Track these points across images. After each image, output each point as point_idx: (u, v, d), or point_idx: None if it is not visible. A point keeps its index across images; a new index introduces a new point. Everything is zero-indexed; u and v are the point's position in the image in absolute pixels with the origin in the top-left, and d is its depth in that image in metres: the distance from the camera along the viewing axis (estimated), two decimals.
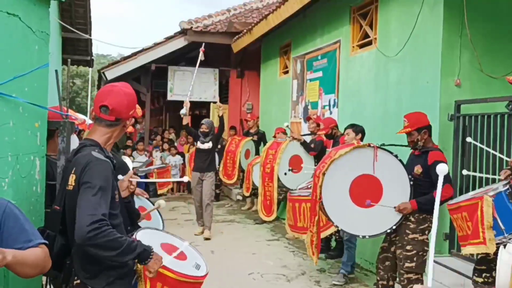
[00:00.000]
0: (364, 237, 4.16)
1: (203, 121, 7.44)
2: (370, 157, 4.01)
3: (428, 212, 4.00)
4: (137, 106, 2.47)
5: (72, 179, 2.13)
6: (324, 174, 4.02)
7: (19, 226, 1.85)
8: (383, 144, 4.16)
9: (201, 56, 7.44)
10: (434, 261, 4.69)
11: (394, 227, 4.06)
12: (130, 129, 3.72)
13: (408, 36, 5.30)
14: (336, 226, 4.17)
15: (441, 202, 4.01)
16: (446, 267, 4.55)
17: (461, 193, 4.64)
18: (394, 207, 3.98)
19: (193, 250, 2.59)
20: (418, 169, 4.02)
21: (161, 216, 4.34)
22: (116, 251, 2.00)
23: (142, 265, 2.16)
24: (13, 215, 1.85)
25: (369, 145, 4.06)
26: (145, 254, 2.11)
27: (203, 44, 7.70)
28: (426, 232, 4.02)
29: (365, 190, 4.03)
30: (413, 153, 4.21)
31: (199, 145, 7.29)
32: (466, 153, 4.74)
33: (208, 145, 7.23)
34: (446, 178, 3.92)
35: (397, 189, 4.03)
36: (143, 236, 2.30)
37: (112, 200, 2.15)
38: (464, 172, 4.07)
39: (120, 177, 2.53)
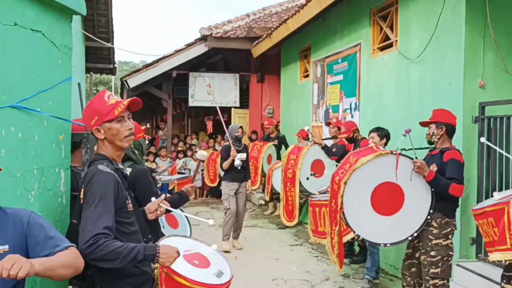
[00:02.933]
0: (385, 245, 4.10)
1: (237, 127, 7.16)
2: (392, 165, 3.95)
3: (449, 215, 3.97)
4: (118, 99, 2.30)
5: (82, 192, 2.19)
6: (345, 183, 3.98)
7: (44, 234, 1.89)
8: (404, 149, 4.10)
9: (211, 92, 7.47)
10: (461, 266, 4.61)
11: (415, 234, 4.01)
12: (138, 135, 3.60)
13: (430, 38, 5.23)
14: (358, 236, 4.12)
15: (449, 196, 3.90)
16: (473, 272, 4.47)
17: (486, 196, 4.57)
18: (415, 163, 3.91)
19: (219, 256, 2.56)
20: (433, 167, 3.96)
21: (189, 222, 4.37)
22: (116, 260, 2.03)
23: (155, 264, 2.19)
24: (37, 225, 1.90)
25: (391, 152, 4.00)
26: (151, 256, 2.11)
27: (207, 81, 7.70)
28: (450, 236, 3.96)
29: (387, 198, 3.99)
30: (430, 154, 4.17)
31: (238, 156, 6.89)
32: (492, 156, 4.65)
33: (244, 156, 7.02)
34: (462, 178, 3.89)
35: (419, 196, 3.97)
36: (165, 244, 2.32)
37: (123, 210, 2.20)
38: (482, 139, 3.98)
39: (153, 199, 2.61)
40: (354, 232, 4.11)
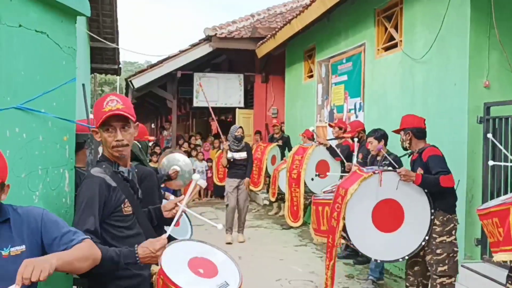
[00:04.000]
0: (404, 258, 4.14)
1: (237, 127, 7.55)
2: (379, 183, 4.02)
3: (450, 211, 4.01)
4: (113, 107, 2.21)
5: None
6: (344, 218, 4.06)
7: (59, 230, 1.89)
8: (389, 154, 4.19)
9: (200, 90, 8.06)
10: (466, 267, 4.59)
11: (427, 238, 4.04)
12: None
13: (434, 38, 5.22)
14: (376, 260, 4.24)
15: (443, 188, 3.93)
16: (477, 273, 4.46)
17: (492, 196, 4.54)
18: (399, 172, 3.97)
19: (232, 265, 2.35)
20: (420, 171, 4.03)
21: (190, 221, 4.38)
22: (98, 266, 2.00)
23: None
24: (50, 222, 1.90)
25: (374, 173, 4.05)
26: (131, 264, 2.08)
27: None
28: (453, 232, 4.00)
29: (387, 215, 4.05)
30: (412, 160, 4.26)
31: (234, 154, 7.38)
32: (497, 156, 4.62)
33: (243, 155, 7.41)
34: (446, 167, 3.94)
35: (416, 202, 4.02)
36: (170, 254, 2.17)
37: (117, 213, 2.21)
38: (490, 163, 3.96)
39: (171, 197, 2.56)
40: (366, 256, 4.19)
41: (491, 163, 3.94)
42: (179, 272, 2.09)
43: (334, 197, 4.41)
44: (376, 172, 4.05)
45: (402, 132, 4.23)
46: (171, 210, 2.51)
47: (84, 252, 1.88)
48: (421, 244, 4.05)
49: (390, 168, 4.25)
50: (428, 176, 3.93)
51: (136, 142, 4.15)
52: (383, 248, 4.08)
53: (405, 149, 4.27)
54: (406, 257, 4.14)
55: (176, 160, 4.95)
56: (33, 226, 1.85)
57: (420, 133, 4.17)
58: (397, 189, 4.00)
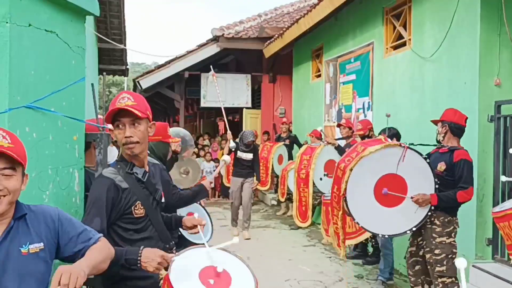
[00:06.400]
0: (383, 236, 4.11)
1: (250, 137, 7.79)
2: (399, 157, 3.94)
3: (451, 213, 3.97)
4: (122, 105, 2.17)
5: None
6: (351, 169, 3.96)
7: (75, 229, 1.88)
8: (412, 144, 4.10)
9: (214, 80, 8.32)
10: (477, 267, 4.55)
11: (414, 229, 3.99)
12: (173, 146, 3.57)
13: (444, 36, 5.17)
14: (357, 223, 4.08)
15: (460, 203, 3.95)
16: (489, 273, 4.41)
17: (503, 199, 4.49)
18: (411, 197, 3.92)
19: (248, 276, 2.13)
20: (441, 166, 3.98)
21: (211, 220, 4.35)
22: None
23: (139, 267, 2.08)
24: (66, 221, 1.89)
25: (400, 145, 3.99)
26: (132, 260, 2.06)
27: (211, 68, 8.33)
28: (453, 234, 3.97)
29: (390, 189, 3.97)
30: (437, 150, 4.16)
31: (240, 154, 7.77)
32: (508, 155, 4.57)
33: (250, 156, 7.77)
34: (470, 179, 3.88)
35: (422, 191, 3.95)
36: (185, 260, 2.03)
37: (127, 216, 2.19)
38: (503, 178, 3.91)
39: (196, 215, 2.54)
40: (353, 219, 4.07)
41: (504, 178, 3.87)
42: (186, 280, 1.94)
43: (349, 152, 4.32)
44: (402, 145, 3.98)
45: (439, 124, 4.11)
46: (189, 228, 2.49)
47: (106, 252, 1.90)
48: (405, 231, 3.99)
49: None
50: (444, 194, 3.90)
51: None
52: (370, 215, 3.99)
53: (438, 141, 4.15)
54: (386, 236, 4.10)
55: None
56: (50, 225, 1.84)
57: (457, 129, 4.03)
58: (413, 172, 3.93)
